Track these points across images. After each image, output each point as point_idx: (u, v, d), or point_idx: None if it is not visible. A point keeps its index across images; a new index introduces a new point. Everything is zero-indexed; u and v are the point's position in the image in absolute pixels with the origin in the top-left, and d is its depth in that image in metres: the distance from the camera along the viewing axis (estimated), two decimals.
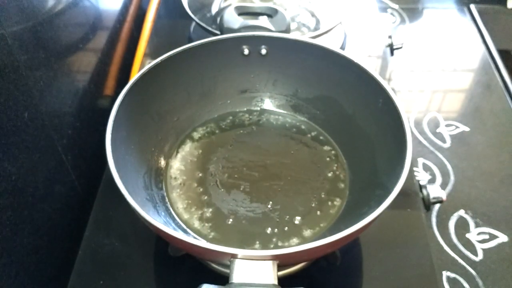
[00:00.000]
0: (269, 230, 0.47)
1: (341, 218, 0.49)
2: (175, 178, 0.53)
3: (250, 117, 0.60)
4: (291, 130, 0.58)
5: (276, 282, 0.34)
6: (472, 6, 0.93)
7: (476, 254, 0.55)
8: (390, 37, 0.76)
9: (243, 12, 0.60)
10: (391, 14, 0.93)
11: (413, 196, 0.54)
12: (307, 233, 0.47)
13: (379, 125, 0.49)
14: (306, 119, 0.59)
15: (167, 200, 0.50)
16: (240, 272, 0.34)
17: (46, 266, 0.46)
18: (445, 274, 0.53)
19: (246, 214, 0.49)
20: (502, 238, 0.56)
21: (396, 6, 0.94)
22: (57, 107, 0.48)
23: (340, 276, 0.48)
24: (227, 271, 0.35)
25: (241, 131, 0.58)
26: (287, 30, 0.58)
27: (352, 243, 0.50)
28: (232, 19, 0.58)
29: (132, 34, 0.76)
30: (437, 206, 0.59)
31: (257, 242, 0.46)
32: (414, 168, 0.64)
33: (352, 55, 0.51)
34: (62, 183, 0.49)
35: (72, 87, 0.53)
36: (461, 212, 0.59)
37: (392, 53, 0.76)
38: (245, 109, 0.61)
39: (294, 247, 0.34)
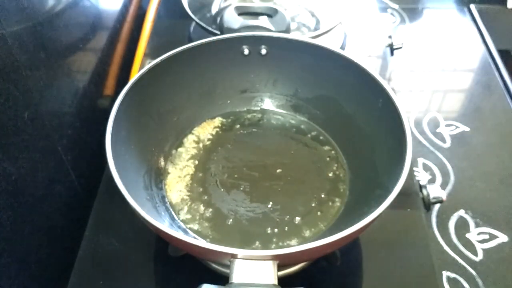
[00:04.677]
0: (269, 230, 0.47)
1: (341, 218, 0.49)
2: (175, 178, 0.53)
3: (250, 117, 0.60)
4: (291, 130, 0.58)
5: (276, 282, 0.34)
6: (472, 6, 0.93)
7: (476, 254, 0.55)
8: (390, 37, 0.76)
9: (243, 12, 0.59)
10: (391, 14, 0.93)
11: (413, 196, 0.54)
12: (307, 233, 0.47)
13: (379, 125, 0.49)
14: (306, 119, 0.59)
15: (167, 200, 0.50)
16: (240, 272, 0.34)
17: (46, 266, 0.46)
18: (445, 274, 0.53)
19: (246, 214, 0.49)
20: (502, 238, 0.56)
21: (396, 6, 0.94)
22: (57, 107, 0.48)
23: (340, 276, 0.48)
24: (227, 271, 0.35)
25: (241, 131, 0.58)
26: (287, 30, 0.58)
27: (352, 243, 0.50)
28: (232, 19, 0.58)
29: (132, 34, 0.76)
30: (437, 206, 0.59)
31: (257, 242, 0.46)
32: (414, 168, 0.64)
33: (352, 55, 0.51)
34: (62, 183, 0.49)
35: (72, 87, 0.53)
36: (461, 212, 0.59)
37: (392, 53, 0.76)
38: (245, 109, 0.61)
39: (294, 247, 0.34)
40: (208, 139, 0.57)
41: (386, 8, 0.94)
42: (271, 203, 0.50)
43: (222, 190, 0.51)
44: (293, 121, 0.59)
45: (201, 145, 0.56)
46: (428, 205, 0.53)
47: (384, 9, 0.94)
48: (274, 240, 0.47)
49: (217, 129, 0.58)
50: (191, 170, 0.53)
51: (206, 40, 0.53)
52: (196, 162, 0.54)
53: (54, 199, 0.48)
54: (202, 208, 0.50)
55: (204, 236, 0.47)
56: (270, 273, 0.34)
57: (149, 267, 0.48)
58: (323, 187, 0.52)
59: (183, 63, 0.53)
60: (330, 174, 0.53)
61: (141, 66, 0.70)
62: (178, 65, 0.53)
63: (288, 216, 0.49)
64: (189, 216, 0.49)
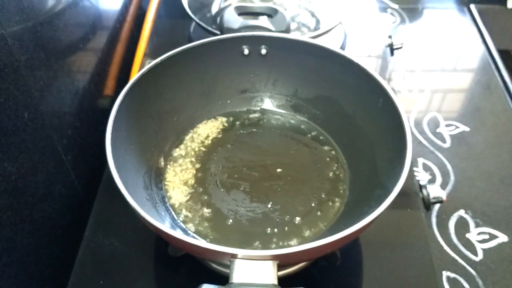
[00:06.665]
0: (269, 230, 0.47)
1: (341, 218, 0.49)
2: (175, 178, 0.53)
3: (250, 117, 0.60)
4: (291, 130, 0.58)
5: (276, 282, 0.34)
6: (472, 6, 0.93)
7: (476, 254, 0.55)
8: (390, 37, 0.76)
9: (243, 12, 0.60)
10: (391, 14, 0.93)
11: (413, 196, 0.54)
12: (307, 233, 0.47)
13: (379, 125, 0.49)
14: (306, 119, 0.59)
15: (167, 200, 0.50)
16: (240, 272, 0.34)
17: (46, 266, 0.46)
18: (445, 274, 0.53)
19: (246, 214, 0.49)
20: (502, 238, 0.56)
21: (396, 6, 0.94)
22: (57, 107, 0.48)
23: (340, 276, 0.48)
24: (227, 271, 0.35)
25: (241, 131, 0.58)
26: (287, 30, 0.58)
27: (352, 243, 0.50)
28: (232, 19, 0.58)
29: (132, 34, 0.76)
30: (437, 206, 0.59)
31: (257, 242, 0.46)
32: (414, 168, 0.64)
33: (352, 55, 0.51)
34: (62, 183, 0.49)
35: (72, 87, 0.53)
36: (461, 212, 0.59)
37: (392, 53, 0.76)
38: (245, 109, 0.61)
39: (294, 247, 0.34)
40: (208, 139, 0.57)
41: (386, 8, 0.94)
42: (271, 203, 0.50)
43: (222, 190, 0.51)
44: (293, 121, 0.59)
45: (201, 145, 0.56)
46: (428, 205, 0.53)
47: (384, 9, 0.94)
48: (274, 240, 0.47)
49: (217, 129, 0.58)
50: (191, 170, 0.53)
51: (206, 40, 0.53)
52: (196, 162, 0.54)
53: (54, 199, 0.48)
54: (202, 208, 0.50)
55: (204, 236, 0.47)
56: (270, 273, 0.34)
57: (149, 267, 0.48)
58: (323, 187, 0.52)
59: (183, 63, 0.53)
60: (330, 174, 0.53)
61: (141, 66, 0.70)
62: (178, 65, 0.53)
63: (288, 216, 0.49)
64: (189, 216, 0.49)
